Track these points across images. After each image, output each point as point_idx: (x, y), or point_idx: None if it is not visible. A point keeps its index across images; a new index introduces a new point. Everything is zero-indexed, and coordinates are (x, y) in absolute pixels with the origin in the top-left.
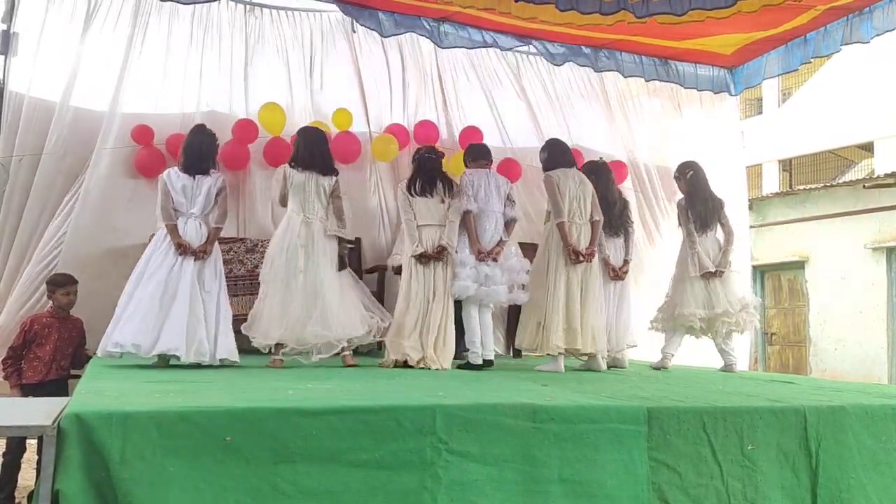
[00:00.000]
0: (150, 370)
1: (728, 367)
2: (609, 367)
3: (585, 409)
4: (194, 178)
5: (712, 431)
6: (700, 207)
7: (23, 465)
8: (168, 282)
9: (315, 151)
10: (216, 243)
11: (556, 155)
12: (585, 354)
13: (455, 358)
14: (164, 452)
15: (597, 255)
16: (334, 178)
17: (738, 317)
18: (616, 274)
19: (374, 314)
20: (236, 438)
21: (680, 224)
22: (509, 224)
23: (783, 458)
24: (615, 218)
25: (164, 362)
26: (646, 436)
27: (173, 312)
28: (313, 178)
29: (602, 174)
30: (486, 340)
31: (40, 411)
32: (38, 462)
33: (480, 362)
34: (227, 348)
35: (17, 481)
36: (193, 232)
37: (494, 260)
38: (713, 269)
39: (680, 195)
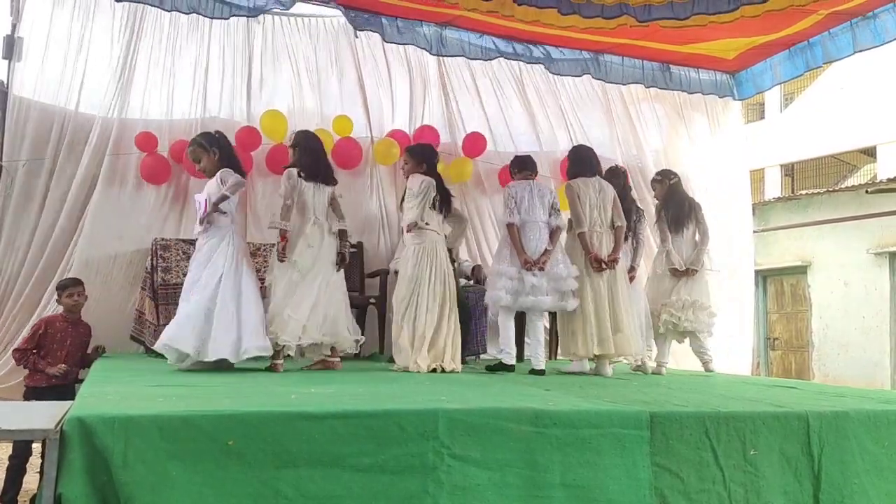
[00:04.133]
0: (152, 374)
1: (704, 365)
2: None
3: (588, 413)
4: None
5: (715, 436)
6: (674, 210)
7: (27, 470)
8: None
9: (320, 162)
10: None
11: (577, 163)
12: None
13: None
14: (167, 456)
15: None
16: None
17: (679, 315)
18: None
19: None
20: (239, 442)
21: (656, 224)
22: (554, 232)
23: (786, 463)
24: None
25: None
26: (648, 441)
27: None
28: (320, 187)
29: (616, 180)
30: (536, 350)
31: (44, 415)
32: (42, 466)
33: (512, 363)
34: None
35: (21, 485)
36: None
37: (541, 269)
38: (681, 268)
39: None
